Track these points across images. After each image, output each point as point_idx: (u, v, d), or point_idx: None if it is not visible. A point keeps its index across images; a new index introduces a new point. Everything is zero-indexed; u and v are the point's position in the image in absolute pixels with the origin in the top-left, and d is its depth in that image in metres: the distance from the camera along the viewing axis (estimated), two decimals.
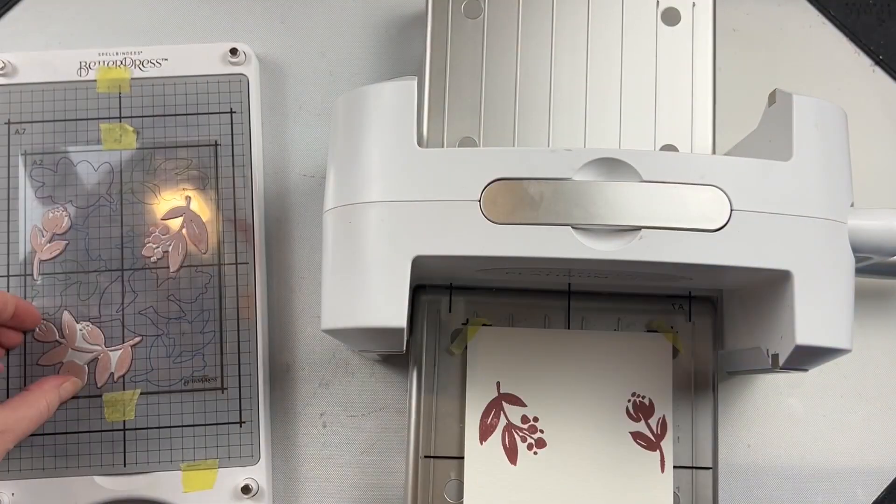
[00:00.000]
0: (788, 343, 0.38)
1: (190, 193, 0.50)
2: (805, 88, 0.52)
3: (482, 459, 0.45)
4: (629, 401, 0.46)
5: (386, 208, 0.39)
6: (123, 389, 0.48)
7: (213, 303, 0.49)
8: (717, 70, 0.47)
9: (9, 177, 0.50)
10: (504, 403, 0.46)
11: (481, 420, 0.46)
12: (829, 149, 0.40)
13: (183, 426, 0.48)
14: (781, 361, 0.39)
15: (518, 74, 0.46)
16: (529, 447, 0.46)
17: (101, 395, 0.48)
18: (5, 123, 0.50)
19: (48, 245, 0.49)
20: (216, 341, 0.49)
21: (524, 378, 0.46)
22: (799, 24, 0.55)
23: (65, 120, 0.50)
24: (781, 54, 0.54)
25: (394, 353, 0.45)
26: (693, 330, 0.47)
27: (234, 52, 0.51)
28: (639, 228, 0.37)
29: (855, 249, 0.39)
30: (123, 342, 0.49)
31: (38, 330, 0.48)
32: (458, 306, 0.47)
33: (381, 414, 0.51)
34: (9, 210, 0.49)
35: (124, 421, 0.48)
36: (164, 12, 0.54)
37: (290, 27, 0.54)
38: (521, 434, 0.46)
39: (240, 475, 0.48)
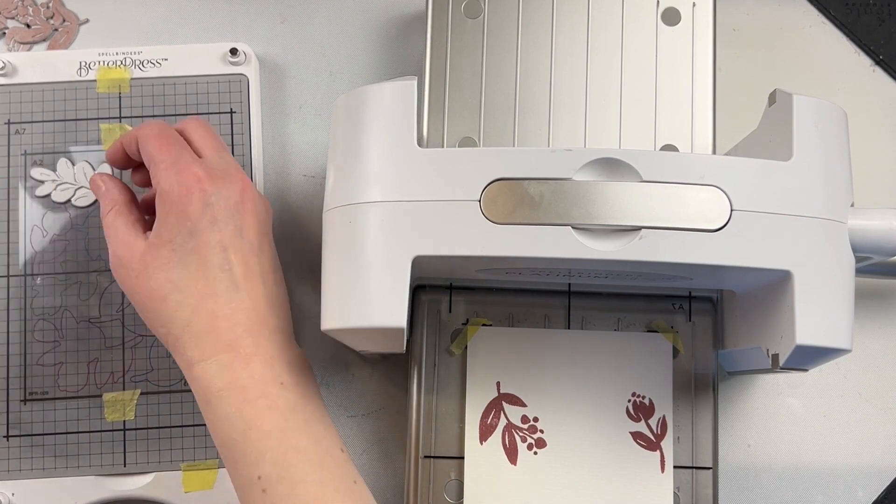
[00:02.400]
0: (789, 343, 0.38)
1: None
2: (805, 88, 0.52)
3: (482, 459, 0.45)
4: (629, 401, 0.46)
5: (386, 208, 0.39)
6: (123, 389, 0.48)
7: None
8: (717, 70, 0.47)
9: (9, 177, 0.50)
10: (504, 403, 0.46)
11: (481, 420, 0.46)
12: (829, 149, 0.40)
13: (183, 426, 0.48)
14: (781, 361, 0.39)
15: (518, 74, 0.47)
16: (529, 447, 0.46)
17: (101, 395, 0.48)
18: (5, 123, 0.50)
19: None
20: None
21: (524, 378, 0.46)
22: (799, 24, 0.55)
23: (65, 120, 0.50)
24: (781, 54, 0.54)
25: (394, 353, 0.45)
26: (693, 330, 0.47)
27: (234, 52, 0.51)
28: (639, 228, 0.37)
29: (855, 249, 0.39)
30: (123, 342, 0.49)
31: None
32: (458, 306, 0.47)
33: (381, 414, 0.51)
34: (9, 210, 0.49)
35: (124, 421, 0.48)
36: (164, 12, 0.54)
37: (290, 27, 0.54)
38: (521, 434, 0.46)
39: None
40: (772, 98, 0.42)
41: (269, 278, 0.42)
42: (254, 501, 0.38)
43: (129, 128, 0.50)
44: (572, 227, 0.38)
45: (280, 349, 0.41)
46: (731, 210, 0.38)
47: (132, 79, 0.51)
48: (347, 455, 0.40)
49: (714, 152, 0.46)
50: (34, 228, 0.49)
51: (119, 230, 0.42)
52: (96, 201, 0.50)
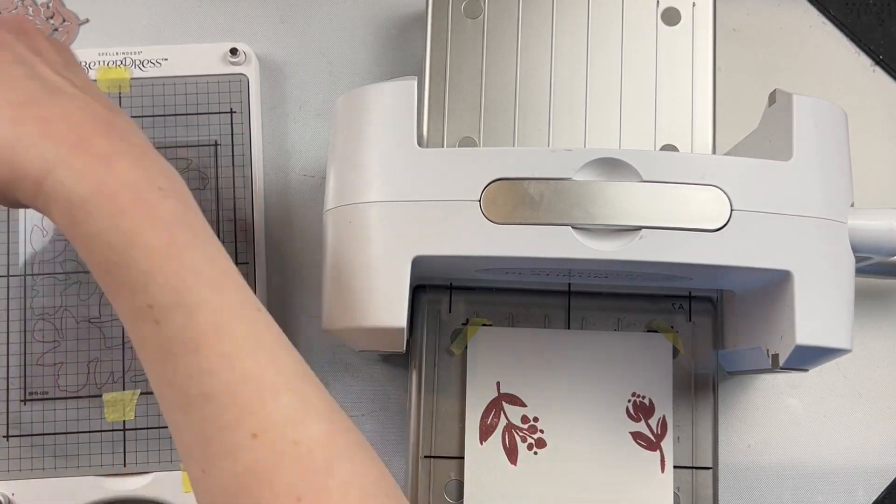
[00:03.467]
0: (789, 343, 0.38)
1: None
2: (805, 88, 0.52)
3: (482, 459, 0.45)
4: (629, 401, 0.46)
5: (386, 208, 0.39)
6: (123, 389, 0.48)
7: None
8: (717, 70, 0.47)
9: None
10: (504, 403, 0.46)
11: (481, 420, 0.46)
12: (829, 149, 0.40)
13: None
14: (782, 361, 0.39)
15: (518, 74, 0.47)
16: (529, 447, 0.46)
17: (100, 395, 0.48)
18: None
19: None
20: None
21: (524, 378, 0.46)
22: (799, 24, 0.55)
23: None
24: (781, 54, 0.54)
25: (394, 353, 0.45)
26: (693, 330, 0.47)
27: (234, 52, 0.51)
28: (639, 228, 0.37)
29: (855, 249, 0.39)
30: (123, 342, 0.49)
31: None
32: (458, 306, 0.47)
33: (381, 414, 0.51)
34: (9, 210, 0.49)
35: (124, 421, 0.48)
36: (164, 12, 0.54)
37: (290, 27, 0.54)
38: (521, 434, 0.46)
39: None
40: (772, 98, 0.42)
41: (96, 93, 0.35)
42: (145, 337, 0.32)
43: None
44: (572, 227, 0.38)
45: (143, 149, 0.33)
46: (731, 210, 0.38)
47: (132, 79, 0.51)
48: (244, 281, 0.34)
49: (714, 152, 0.46)
50: (34, 228, 0.49)
51: None
52: None
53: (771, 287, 0.40)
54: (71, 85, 0.35)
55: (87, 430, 0.48)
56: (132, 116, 0.50)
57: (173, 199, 0.33)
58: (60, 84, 0.34)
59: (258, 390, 0.31)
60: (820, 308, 0.38)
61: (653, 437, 0.46)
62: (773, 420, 0.51)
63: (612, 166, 0.38)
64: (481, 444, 0.46)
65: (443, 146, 0.46)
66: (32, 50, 0.36)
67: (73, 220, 0.32)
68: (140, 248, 0.31)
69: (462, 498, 0.45)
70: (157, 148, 0.51)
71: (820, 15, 0.55)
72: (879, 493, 0.50)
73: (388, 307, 0.38)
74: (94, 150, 0.32)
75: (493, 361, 0.46)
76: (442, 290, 0.47)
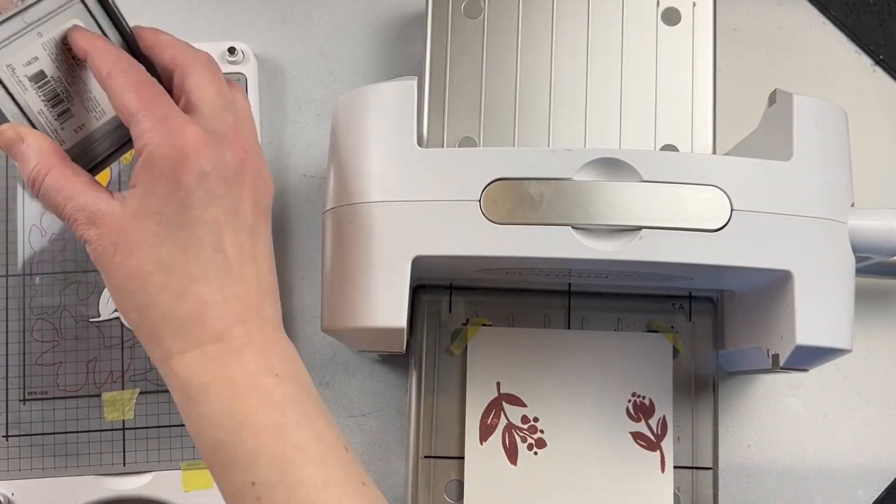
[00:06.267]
0: (789, 343, 0.38)
1: None
2: (805, 88, 0.52)
3: (482, 459, 0.45)
4: (629, 401, 0.46)
5: (386, 208, 0.39)
6: (122, 389, 0.48)
7: None
8: (717, 70, 0.47)
9: (8, 177, 0.50)
10: (504, 403, 0.46)
11: (481, 420, 0.46)
12: (829, 149, 0.40)
13: (182, 425, 0.48)
14: (782, 361, 0.39)
15: (518, 74, 0.46)
16: (529, 447, 0.46)
17: (100, 395, 0.48)
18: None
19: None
20: None
21: (524, 378, 0.46)
22: (799, 24, 0.55)
23: None
24: (781, 54, 0.54)
25: (394, 353, 0.45)
26: (693, 330, 0.47)
27: (232, 51, 0.51)
28: (639, 228, 0.37)
29: (855, 249, 0.39)
30: (122, 342, 0.49)
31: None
32: (458, 306, 0.47)
33: (381, 414, 0.51)
34: (7, 210, 0.49)
35: (123, 420, 0.48)
36: (164, 12, 0.54)
37: (290, 27, 0.54)
38: (521, 434, 0.46)
39: None
40: (772, 98, 0.42)
41: (264, 264, 0.37)
42: None
43: None
44: (572, 227, 0.38)
45: (273, 340, 0.36)
46: (731, 210, 0.38)
47: None
48: (354, 454, 0.36)
49: (714, 152, 0.46)
50: (33, 228, 0.49)
51: (83, 194, 0.36)
52: None
53: (771, 287, 0.40)
54: (250, 260, 0.37)
55: (87, 429, 0.48)
56: None
57: (287, 384, 0.35)
58: (236, 262, 0.36)
59: None
60: (820, 308, 0.38)
61: (653, 437, 0.46)
62: (773, 420, 0.51)
63: (612, 166, 0.38)
64: (481, 444, 0.46)
65: (443, 146, 0.46)
66: (232, 208, 0.36)
67: (189, 398, 0.35)
68: (249, 429, 0.34)
69: (462, 498, 0.45)
70: None
71: (820, 15, 0.55)
72: (879, 493, 0.50)
73: (388, 307, 0.38)
74: (232, 340, 0.35)
75: (493, 361, 0.46)
76: (442, 290, 0.47)
